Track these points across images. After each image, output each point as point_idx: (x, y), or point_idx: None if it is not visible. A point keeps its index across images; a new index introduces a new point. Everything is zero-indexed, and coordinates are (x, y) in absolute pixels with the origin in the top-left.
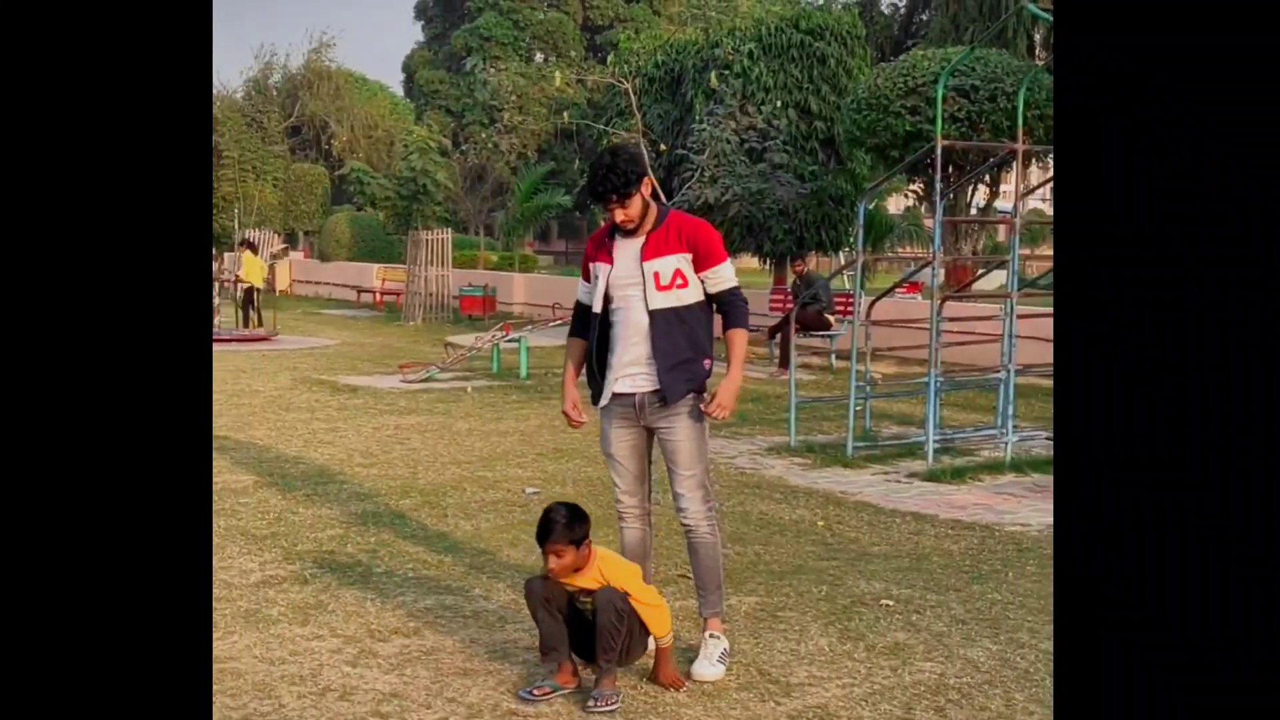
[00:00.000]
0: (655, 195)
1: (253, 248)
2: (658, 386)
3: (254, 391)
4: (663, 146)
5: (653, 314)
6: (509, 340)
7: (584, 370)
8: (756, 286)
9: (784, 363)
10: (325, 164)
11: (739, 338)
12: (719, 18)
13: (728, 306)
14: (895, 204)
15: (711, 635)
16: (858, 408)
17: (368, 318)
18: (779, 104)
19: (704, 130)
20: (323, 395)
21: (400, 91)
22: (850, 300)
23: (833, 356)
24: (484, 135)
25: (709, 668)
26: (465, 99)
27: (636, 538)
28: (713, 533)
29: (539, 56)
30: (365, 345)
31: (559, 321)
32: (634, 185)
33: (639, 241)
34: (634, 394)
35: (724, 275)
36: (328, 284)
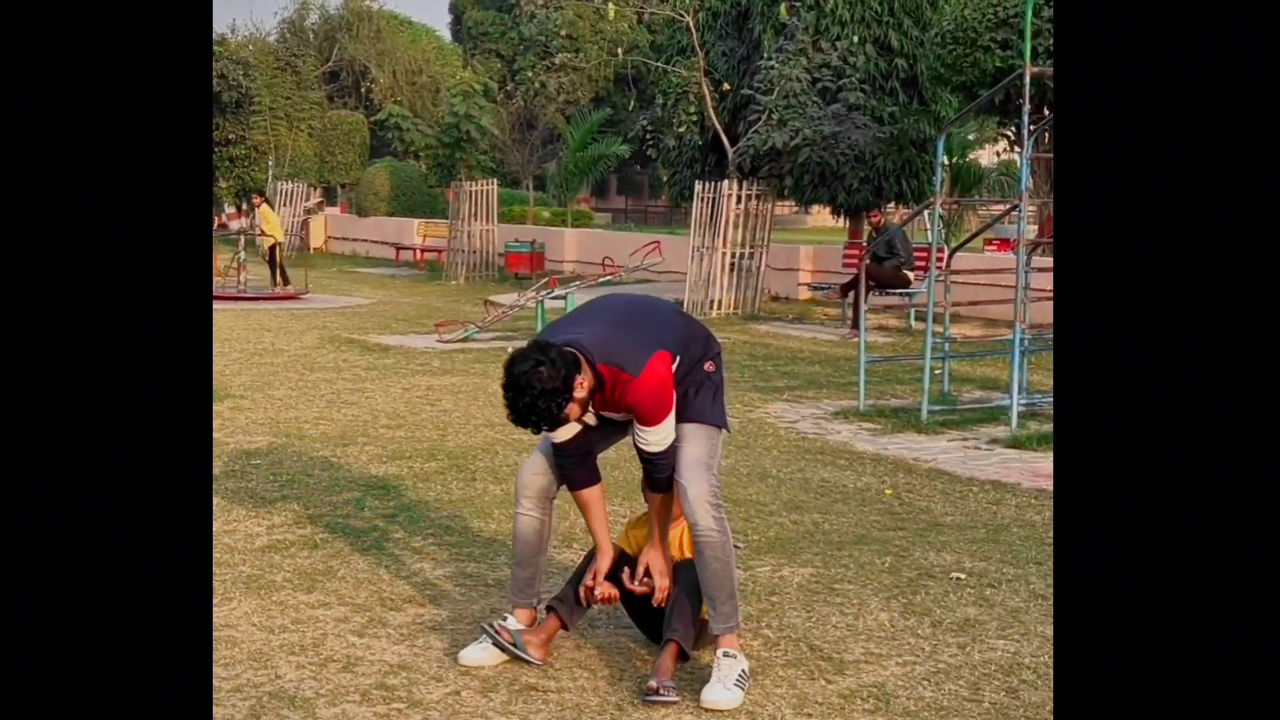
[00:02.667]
0: (595, 372)
1: (268, 201)
2: None
3: (277, 350)
4: (726, 86)
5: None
6: (554, 297)
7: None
8: (830, 242)
9: (856, 323)
10: (364, 112)
11: (657, 500)
12: None
13: (648, 467)
14: (989, 157)
15: (725, 654)
16: (935, 369)
17: (407, 276)
18: (855, 39)
19: (772, 68)
20: (351, 355)
21: (447, 35)
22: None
23: (911, 315)
24: (531, 74)
25: (723, 693)
26: (511, 34)
27: (533, 528)
28: (721, 530)
29: None
30: (401, 304)
31: (609, 276)
32: (561, 411)
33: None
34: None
35: (650, 439)
36: (365, 240)
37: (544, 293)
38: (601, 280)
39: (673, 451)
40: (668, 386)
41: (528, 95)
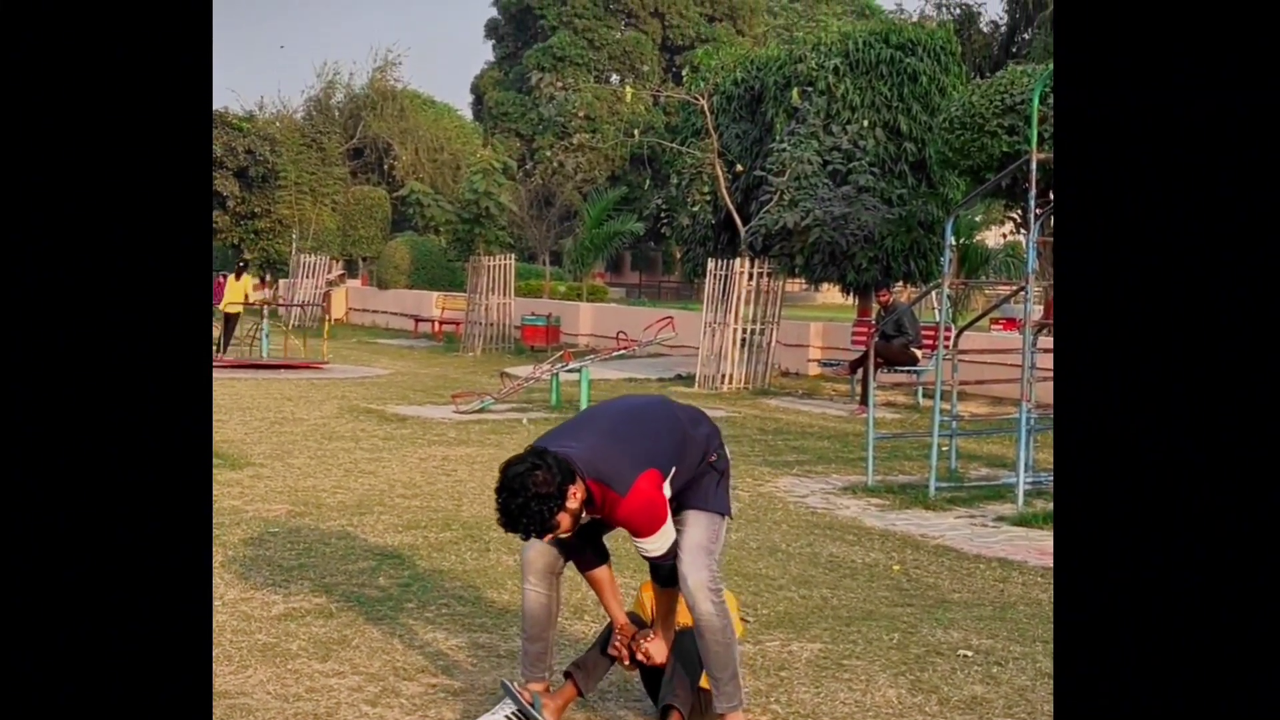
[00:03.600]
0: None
1: (238, 273)
2: None
3: (297, 419)
4: (739, 167)
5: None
6: (569, 370)
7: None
8: (840, 319)
9: (865, 399)
10: (387, 187)
11: (661, 594)
12: (804, 35)
13: (650, 562)
14: (995, 238)
15: None
16: (942, 446)
17: (425, 347)
18: (866, 123)
19: (784, 150)
20: (369, 424)
21: (469, 114)
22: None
23: (919, 393)
24: (549, 153)
25: None
26: (531, 114)
27: (540, 603)
28: (721, 615)
29: (614, 78)
30: (419, 375)
31: (624, 350)
32: (553, 518)
33: None
34: None
35: (648, 548)
36: (385, 312)
37: (558, 366)
38: (616, 354)
39: (673, 550)
40: (656, 503)
41: (546, 173)
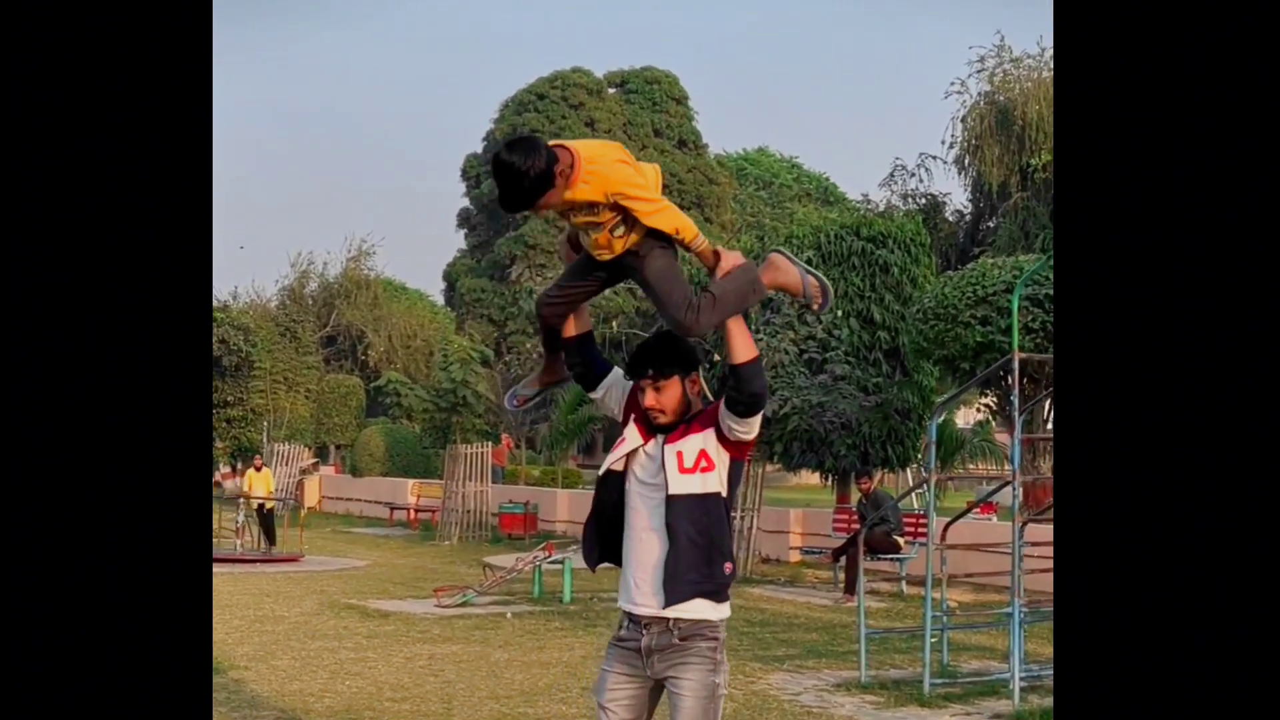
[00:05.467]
0: (704, 398)
1: (258, 465)
2: (666, 614)
3: (278, 617)
4: (716, 356)
5: (671, 500)
6: (551, 561)
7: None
8: (818, 504)
9: (850, 588)
10: (360, 374)
11: None
12: (774, 225)
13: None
14: (964, 417)
15: None
16: (934, 639)
17: (401, 536)
18: (840, 313)
19: (760, 340)
20: (351, 621)
21: (441, 300)
22: (921, 521)
23: (903, 582)
24: (529, 345)
25: None
26: (510, 308)
27: None
28: None
29: None
30: (398, 566)
31: None
32: (676, 369)
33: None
34: (640, 635)
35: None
36: (359, 500)
37: (541, 556)
38: None
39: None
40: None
41: (524, 365)
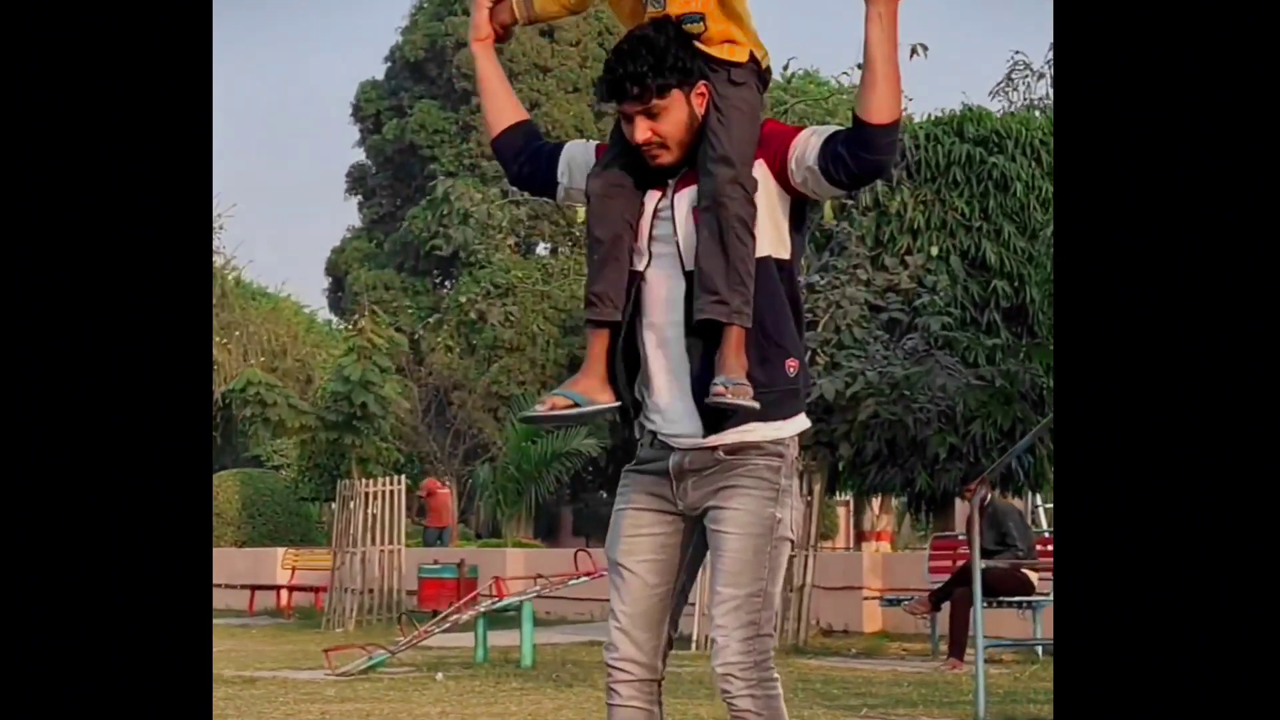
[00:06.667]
0: (716, 106)
1: None
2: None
3: None
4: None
5: (692, 276)
6: (500, 608)
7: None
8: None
9: (957, 648)
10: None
11: None
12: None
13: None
14: None
15: None
16: None
17: (267, 626)
18: (934, 251)
19: (817, 293)
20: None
21: (323, 306)
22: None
23: (1038, 635)
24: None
25: None
26: (434, 314)
27: None
28: (761, 709)
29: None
30: (264, 652)
31: (588, 576)
32: (672, 76)
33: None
34: (668, 453)
35: (819, 131)
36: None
37: (486, 603)
38: (575, 580)
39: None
40: None
41: (447, 363)
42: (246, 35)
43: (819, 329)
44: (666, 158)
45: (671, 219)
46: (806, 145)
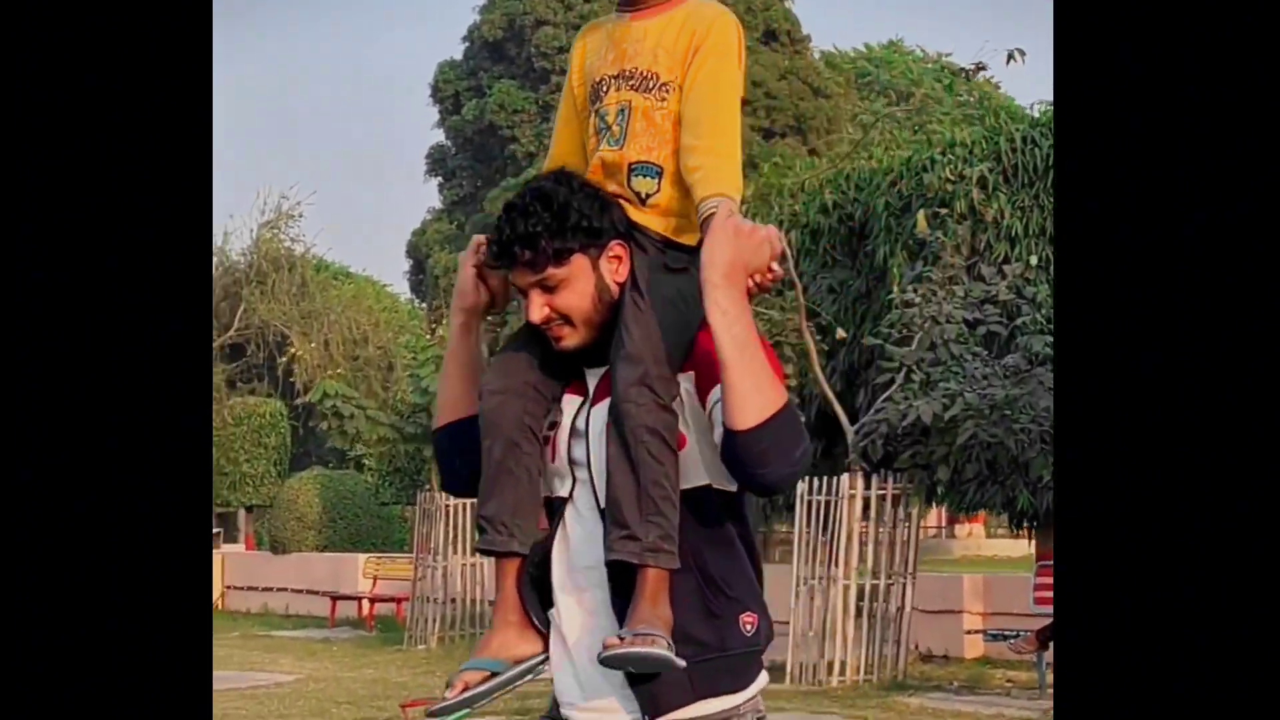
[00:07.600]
0: (636, 287)
1: None
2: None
3: None
4: (840, 333)
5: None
6: None
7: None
8: (1008, 569)
9: None
10: (283, 399)
11: None
12: (934, 133)
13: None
14: None
15: None
16: None
17: (349, 639)
18: (1034, 260)
19: (910, 307)
20: None
21: (404, 288)
22: None
23: None
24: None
25: None
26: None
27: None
28: None
29: None
30: (344, 681)
31: None
32: (574, 239)
33: (598, 371)
34: None
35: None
36: (284, 590)
37: None
38: None
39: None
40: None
41: None
42: (322, 15)
43: (914, 345)
44: (573, 339)
45: (586, 435)
46: (716, 419)
